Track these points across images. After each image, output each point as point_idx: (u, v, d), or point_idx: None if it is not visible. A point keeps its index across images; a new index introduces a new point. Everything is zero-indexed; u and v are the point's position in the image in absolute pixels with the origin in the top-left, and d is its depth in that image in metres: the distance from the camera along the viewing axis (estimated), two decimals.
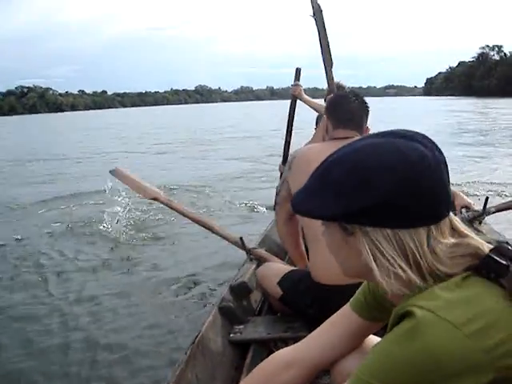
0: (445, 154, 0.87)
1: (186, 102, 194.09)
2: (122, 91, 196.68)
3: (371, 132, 3.01)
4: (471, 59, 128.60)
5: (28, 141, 24.35)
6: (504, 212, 3.12)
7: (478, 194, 6.97)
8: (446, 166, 0.87)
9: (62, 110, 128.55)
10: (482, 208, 2.91)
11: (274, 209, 2.66)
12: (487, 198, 2.87)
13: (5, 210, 7.47)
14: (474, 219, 2.89)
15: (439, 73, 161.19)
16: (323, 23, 3.53)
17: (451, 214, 0.87)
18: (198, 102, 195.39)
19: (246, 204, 7.42)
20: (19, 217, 7.05)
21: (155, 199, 3.12)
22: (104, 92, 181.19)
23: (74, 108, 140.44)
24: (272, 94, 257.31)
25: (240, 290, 2.55)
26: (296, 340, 2.09)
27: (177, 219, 6.31)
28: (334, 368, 1.25)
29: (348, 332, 1.19)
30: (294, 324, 2.25)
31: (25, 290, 4.14)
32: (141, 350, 3.07)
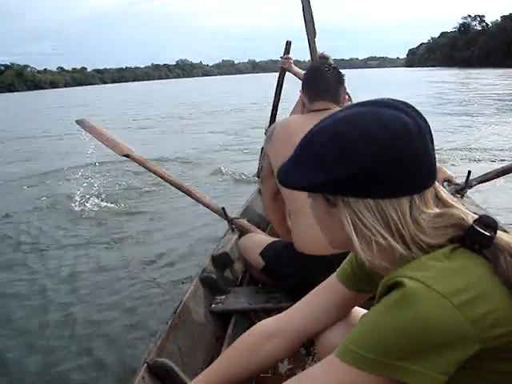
0: None
1: (167, 77, 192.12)
2: (101, 67, 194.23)
3: (350, 102, 3.04)
4: (453, 29, 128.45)
5: (7, 118, 23.91)
6: (486, 184, 3.11)
7: (456, 164, 7.03)
8: (431, 134, 0.86)
9: (41, 88, 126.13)
10: (464, 181, 2.92)
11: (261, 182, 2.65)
12: (469, 172, 2.86)
13: None
14: (457, 193, 2.90)
15: (421, 44, 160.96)
16: None
17: (436, 183, 0.87)
18: (179, 77, 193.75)
19: (228, 176, 7.44)
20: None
21: (127, 156, 3.03)
22: (83, 68, 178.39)
23: (53, 85, 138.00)
24: (254, 67, 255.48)
25: (221, 261, 2.55)
26: (278, 311, 2.11)
27: (158, 191, 6.37)
28: (319, 339, 1.24)
29: (334, 302, 1.18)
30: (275, 295, 2.26)
31: (4, 267, 4.12)
32: (122, 321, 3.07)
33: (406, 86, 30.88)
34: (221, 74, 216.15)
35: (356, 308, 1.24)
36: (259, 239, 2.43)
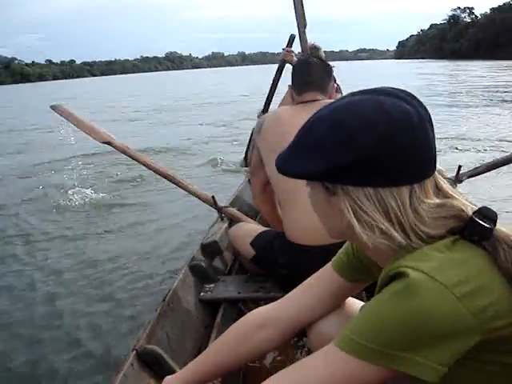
0: None
1: (157, 70, 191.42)
2: (90, 60, 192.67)
3: (340, 94, 3.04)
4: (443, 21, 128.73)
5: None
6: (476, 177, 3.11)
7: (444, 156, 7.04)
8: (431, 123, 0.86)
9: (29, 81, 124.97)
10: (454, 176, 2.91)
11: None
12: (460, 167, 2.86)
13: None
14: None
15: (411, 35, 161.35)
16: None
17: (436, 173, 0.87)
18: (168, 69, 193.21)
19: (217, 166, 7.46)
20: None
21: (108, 143, 2.96)
22: (72, 61, 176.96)
23: (41, 78, 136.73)
24: (243, 59, 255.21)
25: (211, 249, 2.56)
26: (267, 300, 2.11)
27: (147, 182, 6.36)
28: (312, 329, 1.23)
29: (328, 292, 1.18)
30: (265, 284, 2.26)
31: None
32: (111, 310, 3.07)
33: (395, 77, 30.93)
34: (210, 67, 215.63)
35: (350, 299, 1.23)
36: (249, 228, 2.42)
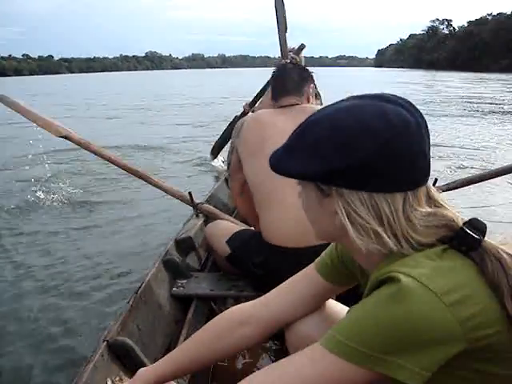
0: None
1: (136, 69, 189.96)
2: (69, 56, 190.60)
3: (320, 101, 3.06)
4: (422, 32, 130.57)
5: None
6: (453, 191, 3.06)
7: None
8: (428, 133, 0.87)
9: (5, 75, 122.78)
10: None
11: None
12: (436, 180, 2.85)
13: None
14: None
15: (390, 45, 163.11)
16: None
17: (429, 182, 0.88)
18: (148, 69, 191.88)
19: (193, 166, 7.48)
20: None
21: (66, 137, 2.83)
22: (50, 57, 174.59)
23: (18, 73, 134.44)
24: (223, 61, 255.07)
25: (185, 245, 2.55)
26: (239, 299, 2.13)
27: (121, 179, 6.31)
28: (291, 329, 1.24)
29: (311, 293, 1.18)
30: (238, 283, 2.27)
31: None
32: (81, 302, 3.08)
33: (374, 85, 31.24)
34: (190, 68, 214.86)
35: (329, 300, 1.25)
36: (226, 227, 2.43)
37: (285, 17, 3.60)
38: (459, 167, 6.80)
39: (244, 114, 4.31)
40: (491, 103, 18.15)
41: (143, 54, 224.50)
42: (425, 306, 0.75)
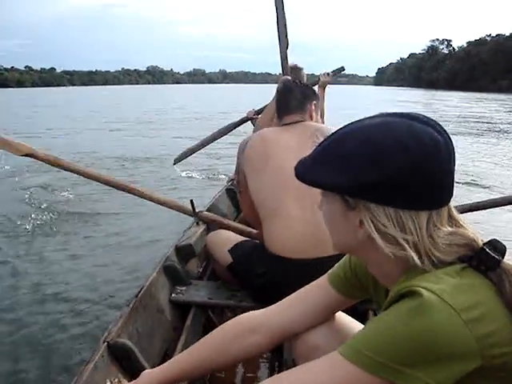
0: None
1: (137, 83, 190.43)
2: (71, 69, 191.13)
3: (321, 118, 3.08)
4: (422, 51, 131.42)
5: None
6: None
7: None
8: (454, 153, 0.87)
9: (8, 86, 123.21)
10: None
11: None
12: None
13: None
14: None
15: (390, 63, 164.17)
16: (282, 1, 3.53)
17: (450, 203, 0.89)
18: (149, 83, 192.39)
19: (193, 178, 7.59)
20: None
21: (29, 156, 2.66)
22: (52, 69, 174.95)
23: (20, 84, 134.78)
24: (225, 77, 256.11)
25: (185, 252, 2.55)
26: (237, 309, 2.13)
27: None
28: (299, 339, 1.23)
29: (322, 304, 1.18)
30: (236, 293, 2.26)
31: None
32: (86, 303, 3.18)
33: (375, 103, 31.40)
34: (191, 83, 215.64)
35: (339, 313, 1.25)
36: (228, 236, 2.43)
37: (286, 32, 3.61)
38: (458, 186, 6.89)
39: (246, 120, 4.25)
40: (488, 122, 18.34)
41: (145, 68, 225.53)
42: (444, 321, 0.76)
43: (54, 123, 17.81)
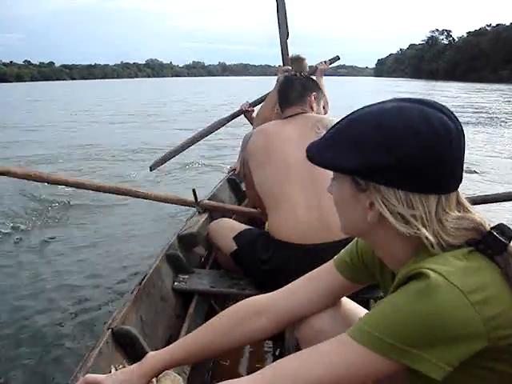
0: None
1: (137, 76, 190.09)
2: (70, 63, 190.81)
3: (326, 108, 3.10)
4: (421, 42, 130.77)
5: None
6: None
7: None
8: (464, 140, 0.89)
9: (6, 81, 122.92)
10: None
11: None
12: None
13: None
14: None
15: (390, 54, 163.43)
16: None
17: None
18: (148, 76, 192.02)
19: (192, 168, 7.67)
20: None
21: (5, 174, 2.52)
22: (51, 63, 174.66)
23: (19, 79, 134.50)
24: (224, 69, 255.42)
25: (187, 241, 2.56)
26: (240, 297, 2.15)
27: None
28: (303, 323, 1.24)
29: (329, 288, 1.19)
30: (239, 281, 2.27)
31: None
32: (90, 290, 3.24)
33: (375, 94, 31.33)
34: (191, 76, 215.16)
35: (344, 298, 1.26)
36: (232, 225, 2.44)
37: (286, 24, 3.60)
38: None
39: (240, 113, 4.16)
40: (486, 112, 18.36)
41: (144, 62, 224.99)
42: (451, 303, 0.78)
43: (55, 117, 17.89)
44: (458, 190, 0.91)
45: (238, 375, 1.96)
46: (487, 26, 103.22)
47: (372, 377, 0.87)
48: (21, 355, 2.49)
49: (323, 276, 1.20)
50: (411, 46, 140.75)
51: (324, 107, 2.58)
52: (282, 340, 2.03)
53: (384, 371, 0.85)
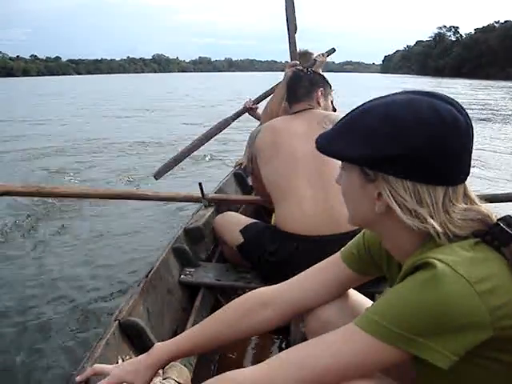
0: None
1: (143, 71, 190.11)
2: (76, 58, 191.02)
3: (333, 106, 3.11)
4: (428, 39, 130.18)
5: None
6: None
7: None
8: (473, 133, 0.90)
9: (13, 75, 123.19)
10: None
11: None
12: None
13: None
14: None
15: (397, 51, 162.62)
16: None
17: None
18: (155, 72, 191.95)
19: (199, 162, 7.67)
20: None
21: (7, 194, 2.57)
22: (58, 58, 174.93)
23: (25, 73, 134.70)
24: (230, 65, 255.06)
25: (194, 234, 2.58)
26: (246, 290, 2.16)
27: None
28: (310, 314, 1.25)
29: (335, 280, 1.20)
30: (246, 275, 2.29)
31: None
32: (97, 281, 3.28)
33: (381, 90, 31.19)
34: (197, 71, 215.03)
35: (351, 290, 1.27)
36: (238, 219, 2.46)
37: (294, 15, 3.54)
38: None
39: (244, 111, 4.12)
40: (492, 109, 18.29)
41: (150, 57, 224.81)
42: (457, 292, 0.79)
43: (62, 111, 17.95)
44: (466, 184, 0.91)
45: (244, 368, 2.00)
46: (495, 22, 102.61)
47: (379, 366, 0.89)
48: (29, 344, 2.52)
49: (330, 268, 1.21)
50: (418, 42, 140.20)
51: (332, 102, 2.59)
52: (288, 333, 2.04)
53: (391, 360, 0.86)
